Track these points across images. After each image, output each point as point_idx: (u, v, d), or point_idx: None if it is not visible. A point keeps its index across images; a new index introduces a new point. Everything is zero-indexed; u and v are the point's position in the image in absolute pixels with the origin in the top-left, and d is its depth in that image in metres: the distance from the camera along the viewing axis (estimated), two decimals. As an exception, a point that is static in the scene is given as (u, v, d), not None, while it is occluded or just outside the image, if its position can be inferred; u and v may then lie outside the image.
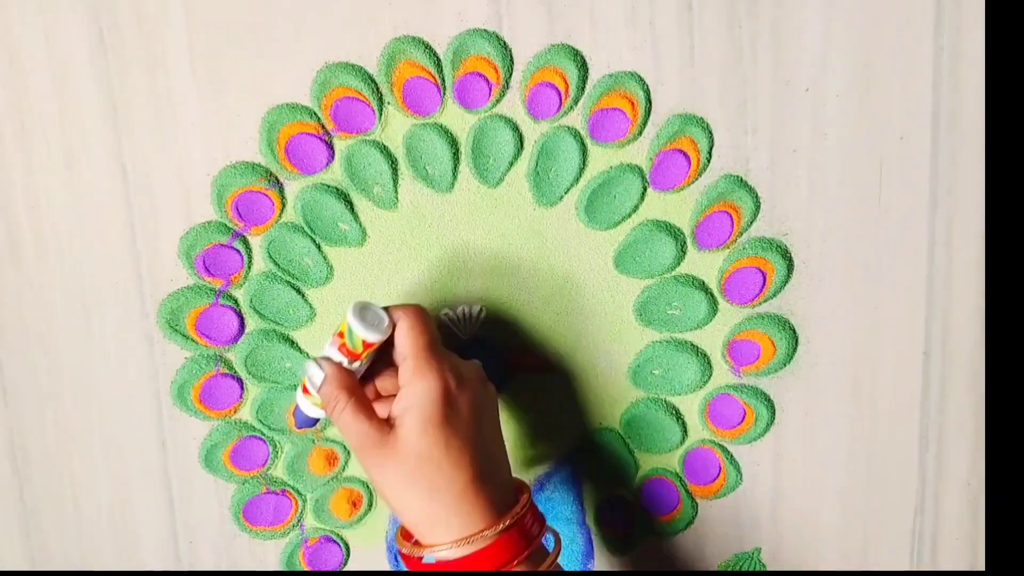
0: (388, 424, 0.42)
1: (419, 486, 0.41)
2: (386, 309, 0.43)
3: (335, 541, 0.54)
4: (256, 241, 0.49)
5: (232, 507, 0.53)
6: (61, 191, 0.48)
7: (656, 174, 0.50)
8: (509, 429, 0.53)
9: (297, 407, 0.45)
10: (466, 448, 0.41)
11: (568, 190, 0.50)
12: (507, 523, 0.41)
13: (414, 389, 0.41)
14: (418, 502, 0.41)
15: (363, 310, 0.42)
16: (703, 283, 0.51)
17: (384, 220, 0.49)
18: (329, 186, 0.49)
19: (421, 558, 0.42)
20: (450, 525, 0.41)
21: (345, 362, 0.43)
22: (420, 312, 0.43)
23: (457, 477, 0.41)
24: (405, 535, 0.44)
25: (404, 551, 0.43)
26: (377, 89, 0.48)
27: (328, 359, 0.43)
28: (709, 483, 0.54)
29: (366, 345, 0.42)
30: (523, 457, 0.53)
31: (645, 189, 0.50)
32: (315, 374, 0.43)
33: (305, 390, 0.44)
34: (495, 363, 0.52)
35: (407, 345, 0.42)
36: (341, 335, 0.43)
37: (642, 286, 0.51)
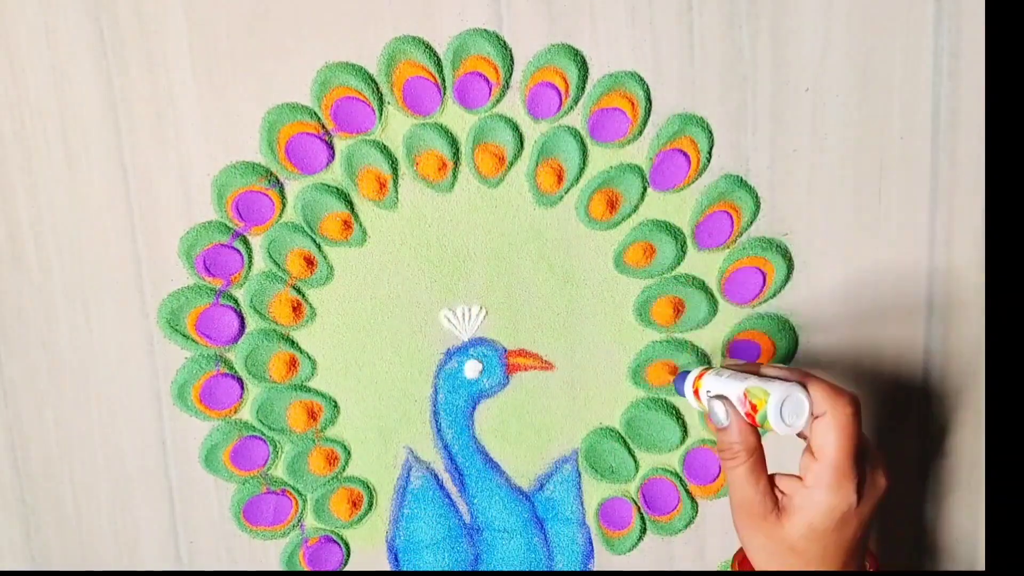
0: (775, 496, 0.42)
1: (784, 565, 0.42)
2: (806, 388, 0.42)
3: (335, 541, 0.54)
4: (256, 241, 0.49)
5: (232, 507, 0.52)
6: (61, 191, 0.48)
7: (656, 174, 0.50)
8: (510, 429, 0.53)
9: (682, 378, 0.47)
10: (839, 557, 0.41)
11: (568, 190, 0.50)
12: None
13: (816, 497, 0.41)
14: (774, 569, 0.42)
15: (787, 399, 0.41)
16: (703, 283, 0.51)
17: (384, 220, 0.49)
18: (329, 186, 0.49)
19: None
20: None
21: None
22: (852, 413, 0.41)
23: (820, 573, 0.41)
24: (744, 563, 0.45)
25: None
26: (377, 89, 0.48)
27: (732, 405, 0.43)
28: (709, 483, 0.54)
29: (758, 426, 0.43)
30: (523, 457, 0.53)
31: (645, 189, 0.50)
32: (719, 416, 0.43)
33: (696, 393, 0.46)
34: (495, 363, 0.52)
35: (826, 446, 0.41)
36: (754, 407, 0.42)
37: (642, 286, 0.51)
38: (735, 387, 0.43)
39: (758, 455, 0.42)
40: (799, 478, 0.42)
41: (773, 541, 0.42)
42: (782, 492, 0.43)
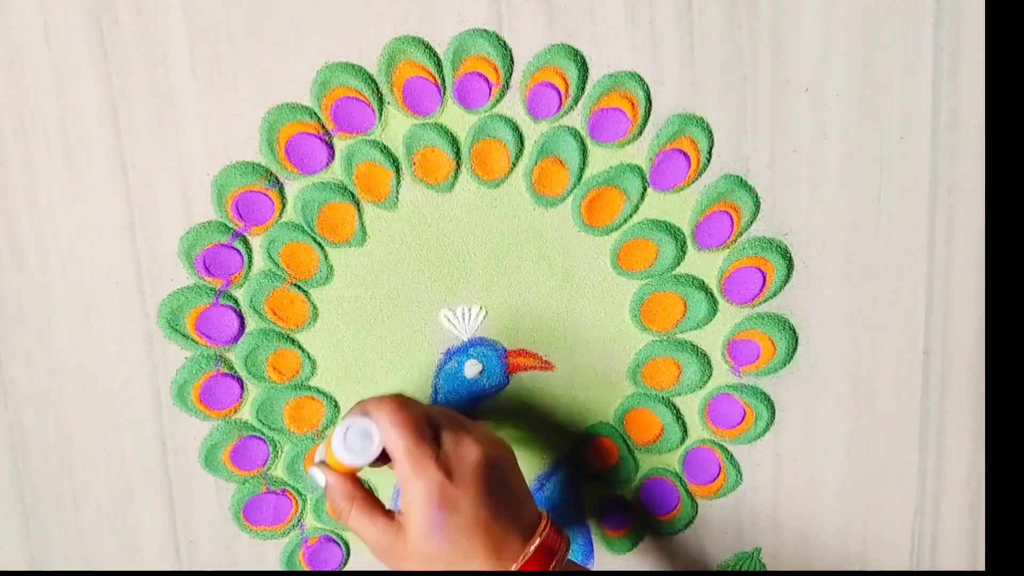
0: (397, 522, 0.42)
1: (445, 570, 0.42)
2: (367, 409, 0.43)
3: (335, 541, 0.54)
4: (256, 241, 0.49)
5: (232, 507, 0.53)
6: (61, 191, 0.48)
7: (656, 174, 0.50)
8: (510, 429, 0.53)
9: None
10: (475, 533, 0.41)
11: (570, 191, 0.50)
12: (527, 555, 0.42)
13: (408, 496, 0.42)
14: None
15: (348, 431, 0.42)
16: (703, 283, 0.51)
17: (384, 220, 0.49)
18: (329, 185, 0.49)
19: None
20: None
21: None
22: (392, 409, 0.42)
23: (472, 556, 0.41)
24: None
25: None
26: (377, 89, 0.48)
27: (324, 464, 0.44)
28: (709, 483, 0.54)
29: (351, 468, 0.43)
30: (523, 457, 0.53)
31: (645, 189, 0.50)
32: (317, 480, 0.44)
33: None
34: (495, 363, 0.52)
35: (390, 449, 0.42)
36: (327, 450, 0.43)
37: (641, 286, 0.51)
38: (321, 448, 0.45)
39: (360, 496, 0.43)
40: None
41: (413, 560, 0.42)
42: (399, 514, 0.43)
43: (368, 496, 0.43)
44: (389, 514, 0.43)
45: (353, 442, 0.42)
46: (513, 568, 0.41)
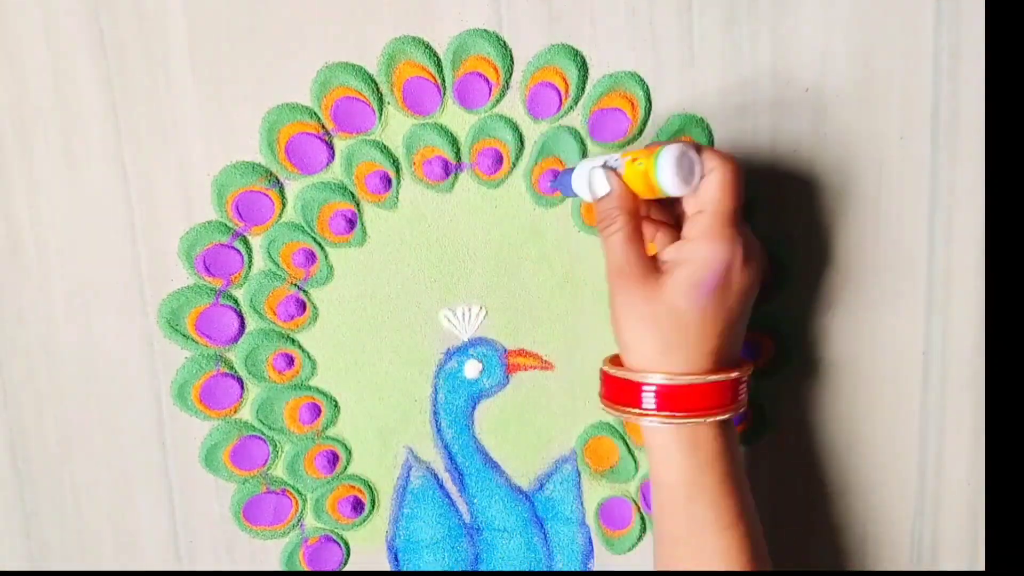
0: (654, 263, 0.41)
1: (658, 334, 0.41)
2: (699, 151, 0.40)
3: (335, 541, 0.54)
4: (256, 241, 0.49)
5: (232, 507, 0.53)
6: (61, 191, 0.48)
7: (656, 174, 0.50)
8: (510, 429, 0.53)
9: (567, 174, 0.43)
10: (720, 322, 0.41)
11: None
12: (723, 376, 0.41)
13: (699, 249, 0.40)
14: (647, 345, 0.41)
15: (681, 156, 0.39)
16: (703, 283, 0.51)
17: (384, 220, 0.49)
18: (329, 185, 0.49)
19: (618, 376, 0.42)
20: (667, 366, 0.41)
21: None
22: (737, 170, 0.40)
23: (699, 345, 0.41)
24: (614, 360, 0.44)
25: (607, 369, 0.43)
26: (377, 89, 0.48)
27: (616, 172, 0.41)
28: (709, 483, 0.54)
29: (652, 187, 0.41)
30: (523, 457, 0.53)
31: (645, 189, 0.50)
32: (599, 185, 0.42)
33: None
34: (495, 363, 0.52)
35: (711, 201, 0.40)
36: (634, 159, 0.41)
37: (642, 286, 0.51)
38: (615, 158, 0.42)
39: (638, 221, 0.42)
40: (661, 222, 0.42)
41: (651, 303, 0.40)
42: (663, 260, 0.42)
43: (644, 223, 0.42)
44: (651, 255, 0.42)
45: (684, 170, 0.40)
46: (713, 378, 0.41)
